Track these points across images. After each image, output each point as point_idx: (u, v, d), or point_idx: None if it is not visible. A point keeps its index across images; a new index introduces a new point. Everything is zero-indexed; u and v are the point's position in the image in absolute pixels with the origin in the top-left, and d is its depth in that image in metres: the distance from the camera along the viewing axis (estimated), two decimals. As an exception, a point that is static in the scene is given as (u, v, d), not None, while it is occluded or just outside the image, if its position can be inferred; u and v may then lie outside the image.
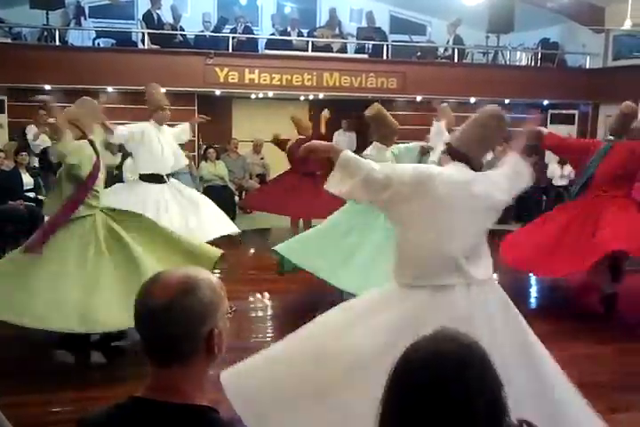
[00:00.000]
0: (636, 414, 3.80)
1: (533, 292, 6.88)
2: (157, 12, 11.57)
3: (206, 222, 6.37)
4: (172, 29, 11.59)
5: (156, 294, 1.41)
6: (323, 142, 3.05)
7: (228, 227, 6.65)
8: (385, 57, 12.00)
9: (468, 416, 1.30)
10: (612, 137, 5.81)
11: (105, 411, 1.44)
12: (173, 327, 1.39)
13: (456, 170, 2.95)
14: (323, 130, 7.99)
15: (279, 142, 8.56)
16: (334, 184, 2.88)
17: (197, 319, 1.41)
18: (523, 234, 6.30)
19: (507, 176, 3.07)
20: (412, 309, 2.81)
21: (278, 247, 5.38)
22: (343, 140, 12.18)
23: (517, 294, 6.49)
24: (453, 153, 3.03)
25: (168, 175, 6.50)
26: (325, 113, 7.99)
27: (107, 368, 4.47)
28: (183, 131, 6.71)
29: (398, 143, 5.90)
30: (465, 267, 2.88)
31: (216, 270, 5.06)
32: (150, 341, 1.43)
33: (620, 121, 5.75)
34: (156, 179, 6.34)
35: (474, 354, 1.37)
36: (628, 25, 9.69)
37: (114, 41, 11.77)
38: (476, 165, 3.02)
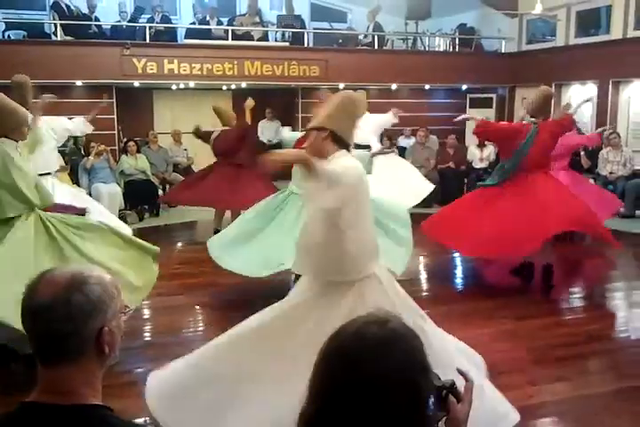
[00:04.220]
0: (554, 386, 3.94)
1: (453, 273, 7.02)
2: (65, 1, 11.18)
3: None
4: (87, 20, 11.26)
5: (41, 291, 1.36)
6: (296, 152, 2.94)
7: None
8: (306, 45, 11.98)
9: (385, 407, 1.21)
10: (532, 119, 6.09)
11: None
12: (59, 324, 1.34)
13: (354, 160, 2.97)
14: (249, 120, 7.76)
15: (201, 135, 8.23)
16: (322, 200, 2.77)
17: (85, 316, 1.36)
18: (451, 213, 6.40)
19: None
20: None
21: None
22: (268, 129, 12.13)
23: (438, 276, 6.69)
24: (339, 140, 2.96)
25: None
26: (249, 102, 7.71)
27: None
28: None
29: None
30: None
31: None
32: (36, 339, 1.38)
33: (540, 104, 6.09)
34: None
35: (397, 340, 1.26)
36: (538, 9, 10.02)
37: (25, 33, 11.30)
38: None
